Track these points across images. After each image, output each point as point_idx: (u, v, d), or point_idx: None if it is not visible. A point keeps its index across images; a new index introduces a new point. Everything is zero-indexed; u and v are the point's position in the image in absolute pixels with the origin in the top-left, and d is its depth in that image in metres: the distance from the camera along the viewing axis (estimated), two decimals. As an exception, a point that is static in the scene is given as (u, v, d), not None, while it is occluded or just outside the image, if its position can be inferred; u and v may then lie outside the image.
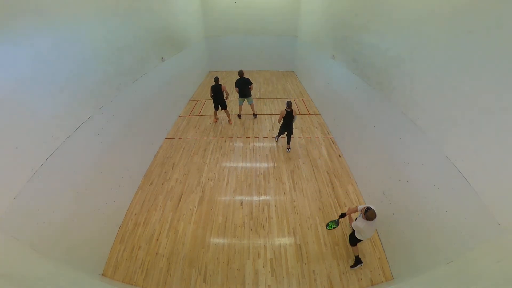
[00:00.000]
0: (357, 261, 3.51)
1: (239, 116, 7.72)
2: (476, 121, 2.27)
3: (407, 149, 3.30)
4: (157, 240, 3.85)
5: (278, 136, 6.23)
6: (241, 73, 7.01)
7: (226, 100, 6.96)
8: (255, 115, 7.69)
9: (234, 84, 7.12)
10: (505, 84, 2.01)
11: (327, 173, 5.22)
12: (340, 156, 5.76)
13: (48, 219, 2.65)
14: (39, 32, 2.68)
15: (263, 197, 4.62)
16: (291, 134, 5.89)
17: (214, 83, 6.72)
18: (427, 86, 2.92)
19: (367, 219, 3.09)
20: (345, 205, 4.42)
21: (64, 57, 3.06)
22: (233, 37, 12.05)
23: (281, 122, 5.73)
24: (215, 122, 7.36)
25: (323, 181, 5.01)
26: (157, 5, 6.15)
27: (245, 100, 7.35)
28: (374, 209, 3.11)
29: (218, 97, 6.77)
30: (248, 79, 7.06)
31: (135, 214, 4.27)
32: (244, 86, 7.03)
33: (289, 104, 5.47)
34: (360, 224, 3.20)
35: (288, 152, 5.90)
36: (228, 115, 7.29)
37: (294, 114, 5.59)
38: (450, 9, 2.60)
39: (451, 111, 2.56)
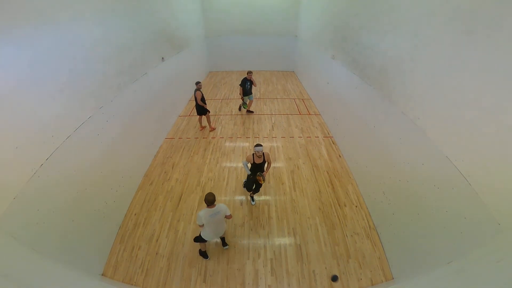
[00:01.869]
0: (203, 254, 3.52)
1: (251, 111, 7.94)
2: (476, 121, 2.27)
3: (407, 149, 3.30)
4: (157, 240, 3.85)
5: (250, 191, 4.45)
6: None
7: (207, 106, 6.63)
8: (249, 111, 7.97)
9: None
10: (505, 84, 2.01)
11: (327, 173, 5.22)
12: (340, 156, 5.76)
13: (48, 219, 2.65)
14: (39, 32, 2.68)
15: (263, 197, 4.62)
16: (260, 187, 4.30)
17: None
18: (427, 86, 2.92)
19: (208, 205, 2.85)
20: (345, 205, 4.42)
21: (64, 57, 3.05)
22: (233, 37, 12.06)
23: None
24: (211, 130, 6.92)
25: (323, 181, 5.01)
26: (157, 5, 6.15)
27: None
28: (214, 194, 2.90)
29: (196, 102, 6.47)
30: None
31: (135, 214, 4.27)
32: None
33: (258, 146, 3.80)
34: (202, 214, 2.94)
35: (253, 204, 4.47)
36: (208, 120, 6.92)
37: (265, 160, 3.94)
38: (450, 9, 2.60)
39: (451, 111, 2.56)
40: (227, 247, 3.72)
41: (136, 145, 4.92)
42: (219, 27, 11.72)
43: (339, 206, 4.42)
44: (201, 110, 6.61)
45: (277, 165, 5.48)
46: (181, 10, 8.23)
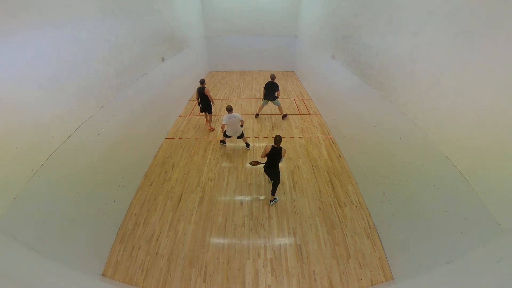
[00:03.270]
0: (223, 141, 6.01)
1: (257, 115, 7.72)
2: (476, 121, 2.26)
3: (407, 149, 3.30)
4: (157, 240, 3.85)
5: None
6: (272, 77, 7.15)
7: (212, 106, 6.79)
8: (285, 115, 7.66)
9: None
10: (505, 84, 2.01)
11: (327, 173, 5.22)
12: (340, 156, 5.76)
13: (48, 219, 2.65)
14: (39, 32, 2.68)
15: (263, 197, 4.62)
16: (278, 182, 4.37)
17: (199, 85, 6.58)
18: (427, 86, 2.92)
19: (228, 112, 5.40)
20: (345, 205, 4.42)
21: (64, 57, 3.06)
22: (233, 37, 12.06)
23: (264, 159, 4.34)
24: (210, 130, 6.89)
25: (323, 181, 5.01)
26: (157, 5, 6.15)
27: (269, 102, 7.40)
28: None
29: (202, 100, 6.58)
30: (276, 84, 7.05)
31: (135, 214, 4.27)
32: (269, 89, 7.09)
33: (277, 140, 4.05)
34: (225, 117, 5.38)
35: (271, 205, 4.43)
36: (210, 120, 6.99)
37: (283, 154, 4.10)
38: (450, 9, 2.60)
39: (451, 111, 2.56)
40: (248, 147, 6.05)
41: (136, 145, 4.92)
42: (219, 27, 11.71)
43: (339, 206, 4.42)
44: (210, 108, 6.77)
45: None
46: (181, 10, 8.23)
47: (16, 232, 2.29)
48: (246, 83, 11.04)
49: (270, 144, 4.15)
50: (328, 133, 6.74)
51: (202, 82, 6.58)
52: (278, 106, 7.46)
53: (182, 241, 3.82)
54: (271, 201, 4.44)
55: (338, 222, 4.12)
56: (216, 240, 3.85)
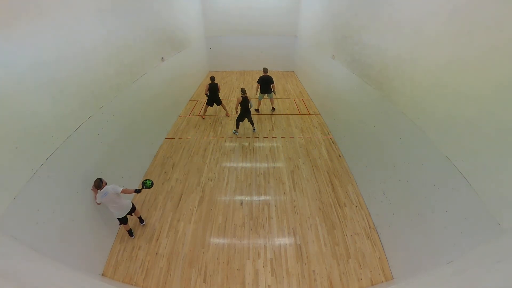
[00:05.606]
0: (129, 233, 3.84)
1: (257, 110, 8.08)
2: (476, 121, 2.26)
3: (407, 149, 3.30)
4: (157, 240, 3.85)
5: (238, 126, 6.61)
6: (265, 70, 7.57)
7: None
8: (273, 109, 8.16)
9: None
10: (504, 84, 2.01)
11: (327, 173, 5.22)
12: (340, 156, 5.75)
13: (48, 219, 2.65)
14: (39, 32, 2.68)
15: (263, 197, 4.62)
16: (250, 116, 6.59)
17: (210, 82, 7.37)
18: (427, 86, 2.92)
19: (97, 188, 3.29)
20: (345, 205, 4.42)
21: (64, 57, 3.06)
22: (233, 37, 12.06)
23: (239, 109, 6.39)
24: (204, 118, 7.67)
25: (323, 181, 5.01)
26: (157, 5, 6.15)
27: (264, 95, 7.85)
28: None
29: (214, 95, 7.37)
30: (271, 76, 7.51)
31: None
32: (266, 83, 7.49)
33: (243, 91, 6.11)
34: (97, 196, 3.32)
35: (255, 131, 6.69)
36: (225, 108, 7.89)
37: (249, 99, 6.25)
38: (450, 9, 2.60)
39: (451, 111, 2.56)
40: (143, 223, 4.07)
41: (136, 145, 4.92)
42: (219, 27, 11.71)
43: (339, 206, 4.42)
44: (219, 100, 7.65)
45: (277, 165, 5.48)
46: (181, 10, 8.23)
47: (16, 232, 2.29)
48: (246, 83, 11.04)
49: (240, 96, 6.09)
50: (328, 133, 6.74)
51: (213, 78, 7.46)
52: (271, 98, 7.94)
53: (182, 241, 3.82)
54: (254, 129, 6.73)
55: (338, 222, 4.12)
56: (216, 240, 3.85)
